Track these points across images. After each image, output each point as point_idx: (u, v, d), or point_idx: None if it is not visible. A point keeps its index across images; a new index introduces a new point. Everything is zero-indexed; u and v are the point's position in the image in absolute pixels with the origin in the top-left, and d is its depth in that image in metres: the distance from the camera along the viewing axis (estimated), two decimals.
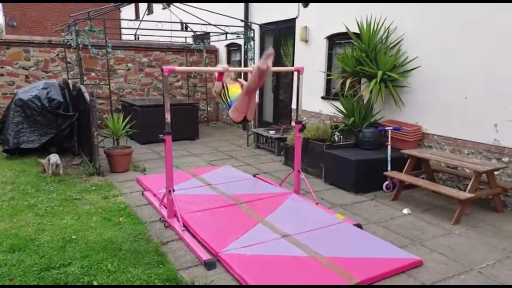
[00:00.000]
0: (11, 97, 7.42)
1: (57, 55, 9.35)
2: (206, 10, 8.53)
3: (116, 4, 9.16)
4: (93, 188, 5.31)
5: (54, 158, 5.82)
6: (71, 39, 7.87)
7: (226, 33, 9.05)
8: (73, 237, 3.81)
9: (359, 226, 4.17)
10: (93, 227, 4.04)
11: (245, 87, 4.44)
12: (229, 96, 4.72)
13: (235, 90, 4.72)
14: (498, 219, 4.48)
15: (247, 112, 4.63)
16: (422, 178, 5.29)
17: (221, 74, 4.53)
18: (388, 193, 5.29)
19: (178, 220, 4.06)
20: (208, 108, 11.32)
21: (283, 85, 9.10)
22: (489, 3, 4.73)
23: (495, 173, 4.65)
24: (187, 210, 4.37)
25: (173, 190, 4.23)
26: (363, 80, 6.29)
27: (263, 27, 8.96)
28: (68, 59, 9.20)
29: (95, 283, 3.03)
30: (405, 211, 4.69)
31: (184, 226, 4.00)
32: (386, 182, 5.34)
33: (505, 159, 4.76)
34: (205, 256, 3.46)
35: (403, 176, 5.00)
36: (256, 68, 4.14)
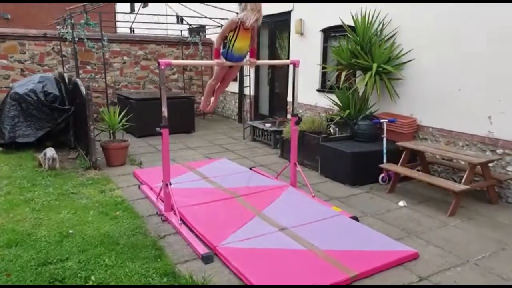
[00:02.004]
0: (7, 91, 7.36)
1: (53, 48, 9.27)
2: (202, 3, 8.48)
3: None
4: (90, 182, 5.31)
5: (50, 152, 5.80)
6: (67, 33, 7.82)
7: (222, 26, 9.00)
8: (70, 231, 3.81)
9: (355, 218, 4.20)
10: (90, 221, 4.05)
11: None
12: (231, 46, 4.13)
13: (242, 44, 4.14)
14: (493, 211, 4.53)
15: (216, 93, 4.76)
16: (418, 170, 5.32)
17: (217, 51, 4.21)
18: (384, 185, 5.33)
19: (175, 214, 4.07)
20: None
21: (278, 78, 9.08)
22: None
23: (490, 165, 4.68)
24: (184, 204, 4.38)
25: (170, 184, 4.24)
26: (358, 72, 6.29)
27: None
28: (63, 53, 9.13)
29: (92, 277, 3.04)
30: (401, 203, 4.73)
31: (181, 219, 4.00)
32: (382, 175, 5.37)
33: (499, 151, 4.79)
34: (203, 250, 3.47)
35: (398, 169, 5.03)
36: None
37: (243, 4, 4.01)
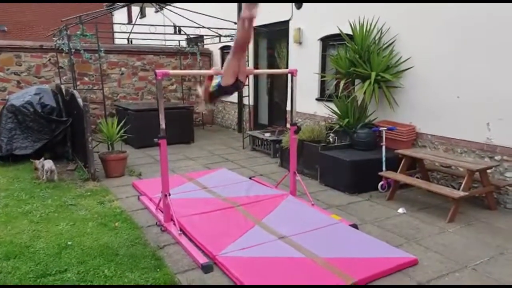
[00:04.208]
0: (3, 103, 7.37)
1: (49, 60, 9.30)
2: (199, 13, 8.54)
3: (108, 7, 9.14)
4: (88, 193, 5.29)
5: (48, 164, 5.78)
6: (63, 44, 7.83)
7: (220, 35, 9.07)
8: (69, 243, 3.79)
9: (355, 226, 4.19)
10: (89, 233, 4.03)
11: (233, 45, 3.81)
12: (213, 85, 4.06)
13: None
14: (492, 217, 4.53)
15: (239, 73, 3.88)
16: (417, 177, 5.33)
17: (210, 77, 4.12)
18: (383, 193, 5.32)
19: (175, 224, 4.06)
20: (203, 111, 11.31)
21: (277, 87, 9.13)
22: (480, 3, 4.78)
23: (488, 171, 4.69)
24: (183, 214, 4.37)
25: (169, 194, 4.22)
26: (356, 81, 6.32)
27: (257, 29, 8.98)
28: (60, 64, 9.15)
29: None
30: (400, 210, 4.73)
31: (181, 230, 3.99)
32: (381, 182, 5.38)
33: (498, 158, 4.81)
34: (202, 259, 3.46)
35: (398, 176, 5.03)
36: (241, 20, 3.63)
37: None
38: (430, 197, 5.15)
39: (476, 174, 4.53)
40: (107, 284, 3.09)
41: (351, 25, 6.13)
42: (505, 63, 4.62)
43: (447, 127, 5.35)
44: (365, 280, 3.14)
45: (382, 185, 5.38)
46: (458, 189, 4.56)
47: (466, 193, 4.35)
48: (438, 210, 4.73)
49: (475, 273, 3.31)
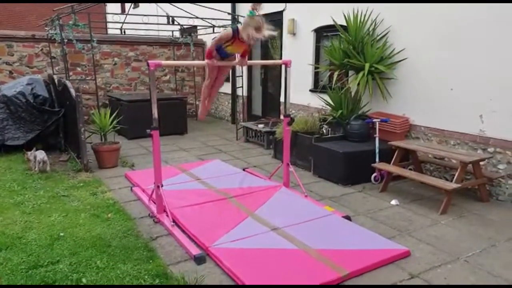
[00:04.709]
0: None
1: (41, 50, 9.18)
2: (193, 3, 8.44)
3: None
4: (81, 184, 5.25)
5: (40, 154, 5.73)
6: (55, 34, 7.73)
7: (214, 26, 8.98)
8: (61, 234, 3.77)
9: (347, 218, 4.20)
10: (82, 224, 4.01)
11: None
12: (225, 48, 4.06)
13: (235, 50, 4.14)
14: (484, 209, 4.56)
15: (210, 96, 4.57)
16: (410, 169, 5.35)
17: (210, 52, 4.17)
18: (376, 184, 5.34)
19: (168, 215, 4.04)
20: (197, 102, 11.24)
21: (271, 78, 9.09)
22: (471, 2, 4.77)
23: (481, 163, 4.72)
24: (176, 205, 4.36)
25: (162, 186, 4.21)
26: (350, 72, 6.30)
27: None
28: (52, 54, 9.04)
29: (84, 280, 3.01)
30: (393, 202, 4.75)
31: (174, 221, 3.98)
32: (374, 174, 5.39)
33: (490, 150, 4.83)
34: (195, 250, 3.46)
35: (391, 168, 5.05)
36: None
37: (246, 19, 3.87)
38: (423, 189, 5.17)
39: (469, 166, 4.55)
40: (99, 275, 3.08)
41: (345, 16, 6.10)
42: (498, 55, 4.62)
43: (440, 119, 5.36)
44: (357, 272, 3.15)
45: (375, 176, 5.39)
46: (451, 181, 4.58)
47: (459, 185, 4.38)
48: (431, 202, 4.76)
49: (467, 265, 3.33)
